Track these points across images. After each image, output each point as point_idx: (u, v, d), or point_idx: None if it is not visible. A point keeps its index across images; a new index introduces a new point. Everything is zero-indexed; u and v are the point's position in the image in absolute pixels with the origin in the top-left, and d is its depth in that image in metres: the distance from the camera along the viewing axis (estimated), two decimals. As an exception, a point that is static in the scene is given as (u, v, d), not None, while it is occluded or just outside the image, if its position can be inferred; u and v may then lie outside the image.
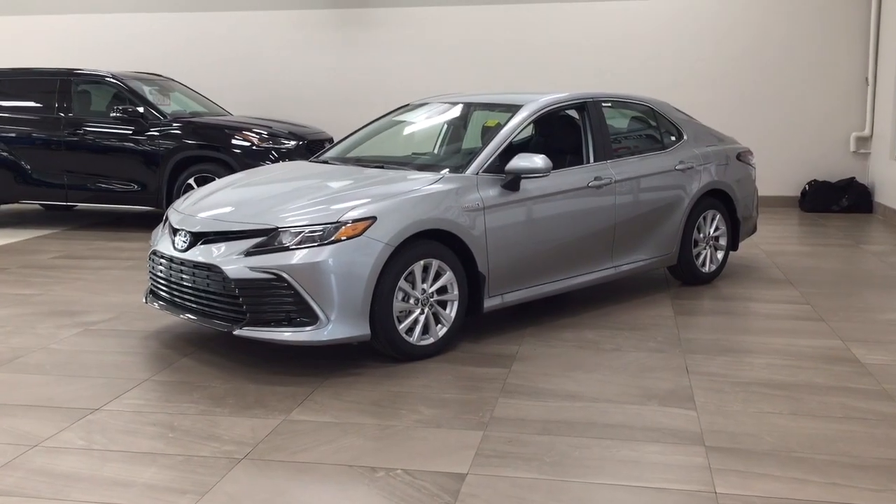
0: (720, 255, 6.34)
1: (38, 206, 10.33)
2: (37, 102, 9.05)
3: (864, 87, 10.20)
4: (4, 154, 8.91)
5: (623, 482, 3.10)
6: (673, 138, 6.14)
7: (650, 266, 5.86)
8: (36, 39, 11.81)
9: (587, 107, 5.58)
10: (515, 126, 5.16)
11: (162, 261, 4.67)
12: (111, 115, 8.76)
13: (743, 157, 6.54)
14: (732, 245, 6.47)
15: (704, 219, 6.16)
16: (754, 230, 6.83)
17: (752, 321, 5.37)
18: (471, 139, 5.82)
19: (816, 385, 4.13)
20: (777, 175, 10.37)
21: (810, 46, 10.29)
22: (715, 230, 6.25)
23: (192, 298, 4.50)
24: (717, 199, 6.23)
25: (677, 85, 10.28)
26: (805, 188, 10.39)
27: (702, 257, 6.19)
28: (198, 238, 4.47)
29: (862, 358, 4.53)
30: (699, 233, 6.13)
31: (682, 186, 5.92)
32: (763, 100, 10.44)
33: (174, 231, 4.66)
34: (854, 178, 10.20)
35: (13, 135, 8.93)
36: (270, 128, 8.87)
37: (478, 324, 5.10)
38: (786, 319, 5.36)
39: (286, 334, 4.19)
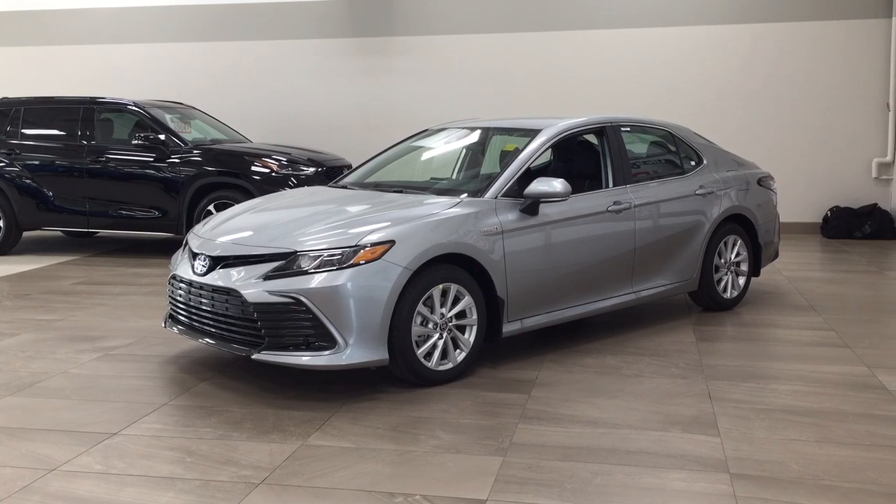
0: (742, 280, 6.27)
1: (60, 233, 10.42)
2: (60, 130, 9.16)
3: (886, 112, 10.12)
4: (28, 182, 9.01)
5: (646, 510, 3.04)
6: (693, 163, 6.11)
7: (671, 291, 5.80)
8: (59, 69, 11.99)
9: (606, 131, 5.56)
10: (534, 150, 5.16)
11: (181, 285, 4.67)
12: (133, 142, 8.85)
13: (764, 181, 6.49)
14: (754, 271, 6.39)
15: (725, 244, 6.10)
16: (776, 256, 6.76)
17: (776, 347, 5.29)
18: (489, 164, 5.81)
19: (843, 412, 4.05)
20: (799, 201, 10.27)
21: (832, 73, 10.25)
22: (736, 255, 6.19)
23: (211, 322, 4.50)
24: (738, 224, 6.18)
25: (699, 111, 10.25)
26: (827, 214, 10.29)
27: (723, 283, 6.12)
28: (217, 262, 4.48)
29: (888, 385, 4.44)
30: (720, 258, 6.07)
31: (702, 211, 5.88)
32: (784, 126, 10.38)
33: (194, 255, 4.67)
34: (877, 204, 10.10)
35: (36, 162, 9.03)
36: (289, 154, 8.92)
37: (497, 349, 5.06)
38: (810, 346, 5.27)
39: (304, 359, 4.17)
